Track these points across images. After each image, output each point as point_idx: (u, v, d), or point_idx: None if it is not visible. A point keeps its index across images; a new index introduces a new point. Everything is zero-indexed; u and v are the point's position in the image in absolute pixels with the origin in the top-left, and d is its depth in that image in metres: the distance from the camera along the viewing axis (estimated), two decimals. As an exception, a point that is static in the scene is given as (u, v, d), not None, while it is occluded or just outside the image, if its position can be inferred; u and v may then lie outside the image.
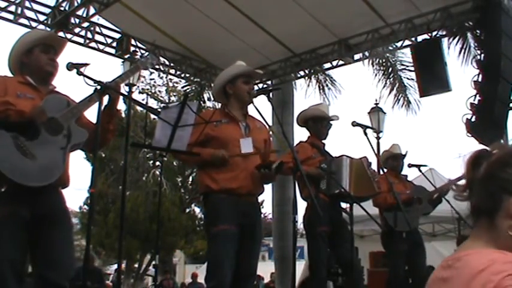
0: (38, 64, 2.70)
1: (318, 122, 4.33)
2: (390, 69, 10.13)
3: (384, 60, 10.04)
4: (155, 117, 3.81)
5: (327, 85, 10.71)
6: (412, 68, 8.66)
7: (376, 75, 10.24)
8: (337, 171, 4.09)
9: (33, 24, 6.17)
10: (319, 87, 10.70)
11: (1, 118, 2.43)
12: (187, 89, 9.73)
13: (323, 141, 4.40)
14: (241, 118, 3.32)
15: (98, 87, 2.56)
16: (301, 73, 7.98)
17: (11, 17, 6.03)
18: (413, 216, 4.82)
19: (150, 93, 16.08)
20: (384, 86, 10.24)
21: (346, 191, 3.97)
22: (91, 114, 2.75)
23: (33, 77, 2.69)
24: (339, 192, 4.02)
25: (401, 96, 10.25)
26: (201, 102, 9.16)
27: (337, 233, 4.15)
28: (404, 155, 5.25)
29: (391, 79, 10.18)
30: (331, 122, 4.40)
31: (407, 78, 10.10)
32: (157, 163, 15.65)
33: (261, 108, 3.36)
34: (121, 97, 2.91)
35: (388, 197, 4.90)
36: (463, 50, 8.17)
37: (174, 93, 16.46)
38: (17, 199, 2.44)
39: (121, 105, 15.35)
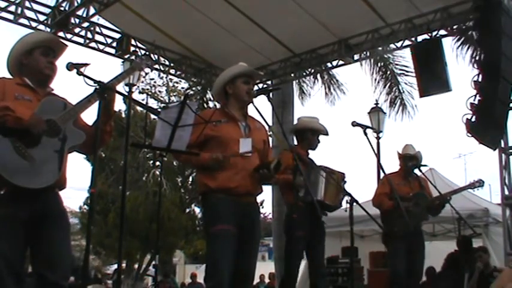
0: (37, 66, 2.70)
1: (316, 135, 4.65)
2: (388, 72, 10.16)
3: (382, 64, 10.07)
4: (155, 117, 3.81)
5: (332, 85, 10.77)
6: (411, 73, 8.71)
7: (375, 79, 10.29)
8: (315, 181, 4.33)
9: (33, 24, 6.18)
10: (325, 87, 10.75)
11: None
12: (189, 91, 9.73)
13: (309, 150, 4.68)
14: (240, 118, 3.31)
15: (98, 87, 2.55)
16: (302, 73, 7.99)
17: (11, 17, 6.04)
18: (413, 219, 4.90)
19: (150, 93, 16.06)
20: (382, 92, 10.32)
21: (317, 200, 4.20)
22: (88, 116, 2.76)
23: (31, 79, 2.69)
24: (314, 201, 4.16)
25: (399, 100, 10.30)
26: (204, 104, 9.15)
27: (313, 236, 4.36)
28: (415, 156, 5.25)
29: (390, 83, 10.22)
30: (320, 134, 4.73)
31: (405, 83, 10.15)
32: (157, 163, 15.64)
33: (261, 108, 3.36)
34: (120, 97, 2.92)
35: (385, 201, 4.96)
36: (463, 50, 8.18)
37: (174, 93, 16.44)
38: (15, 201, 2.45)
39: (121, 105, 15.39)
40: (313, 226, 4.33)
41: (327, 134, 4.72)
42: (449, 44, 8.01)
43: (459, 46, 7.82)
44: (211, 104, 9.54)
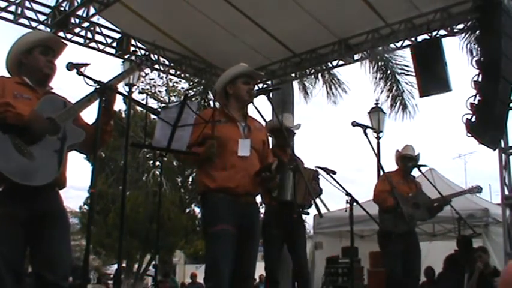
0: (37, 65, 2.70)
1: (286, 132, 4.55)
2: (389, 71, 10.17)
3: (382, 64, 10.08)
4: (155, 117, 3.84)
5: (333, 84, 10.79)
6: (411, 72, 8.70)
7: (375, 78, 10.30)
8: (287, 181, 4.28)
9: (33, 24, 6.18)
10: (326, 87, 10.77)
11: None
12: (189, 91, 9.72)
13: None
14: (240, 118, 3.31)
15: (98, 87, 2.56)
16: (302, 73, 7.99)
17: (11, 17, 6.04)
18: (410, 220, 4.91)
19: (150, 93, 16.06)
20: (382, 91, 10.34)
21: (287, 201, 4.22)
22: (88, 115, 2.76)
23: (31, 78, 2.69)
24: (286, 201, 4.23)
25: (399, 99, 10.31)
26: (206, 104, 9.14)
27: (290, 237, 4.33)
28: (415, 157, 5.26)
29: (390, 83, 10.23)
30: (294, 131, 4.69)
31: (406, 83, 10.16)
32: (157, 163, 15.65)
33: (261, 108, 3.37)
34: (120, 97, 2.92)
35: (388, 199, 4.96)
36: (463, 50, 8.17)
37: (174, 93, 16.45)
38: (14, 199, 2.44)
39: (121, 105, 15.39)
40: (289, 227, 4.28)
41: (295, 128, 4.69)
42: (457, 44, 7.94)
43: (467, 45, 7.81)
44: (212, 104, 9.53)
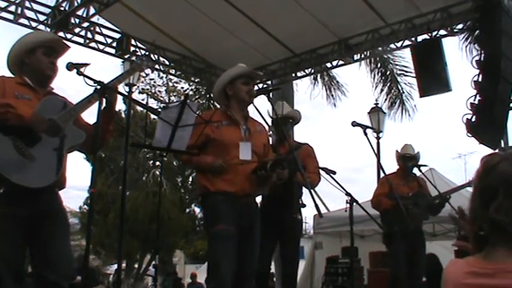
0: (39, 66, 2.69)
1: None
2: (388, 72, 10.17)
3: (382, 65, 10.09)
4: (155, 117, 3.82)
5: (332, 86, 10.80)
6: (410, 74, 8.71)
7: (375, 79, 10.32)
8: None
9: (33, 24, 6.17)
10: (325, 89, 10.79)
11: (0, 121, 2.43)
12: (190, 91, 9.73)
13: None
14: (241, 120, 3.31)
15: (98, 87, 2.56)
16: (302, 73, 7.98)
17: (11, 17, 6.03)
18: (413, 219, 4.89)
19: (150, 93, 16.06)
20: (382, 92, 10.35)
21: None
22: (89, 115, 2.76)
23: (32, 78, 2.69)
24: (265, 195, 4.07)
25: (398, 100, 10.33)
26: (208, 104, 9.13)
27: (281, 235, 4.10)
28: (414, 156, 5.26)
29: (389, 84, 10.25)
30: (290, 120, 4.40)
31: (405, 84, 10.18)
32: (157, 163, 15.66)
33: (261, 108, 3.36)
34: (120, 97, 2.92)
35: (383, 201, 4.96)
36: (463, 50, 8.18)
37: (174, 93, 16.46)
38: (15, 200, 2.44)
39: (121, 105, 15.39)
40: (277, 223, 4.05)
41: (290, 115, 4.47)
42: (457, 44, 7.94)
43: (467, 45, 7.80)
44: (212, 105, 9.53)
